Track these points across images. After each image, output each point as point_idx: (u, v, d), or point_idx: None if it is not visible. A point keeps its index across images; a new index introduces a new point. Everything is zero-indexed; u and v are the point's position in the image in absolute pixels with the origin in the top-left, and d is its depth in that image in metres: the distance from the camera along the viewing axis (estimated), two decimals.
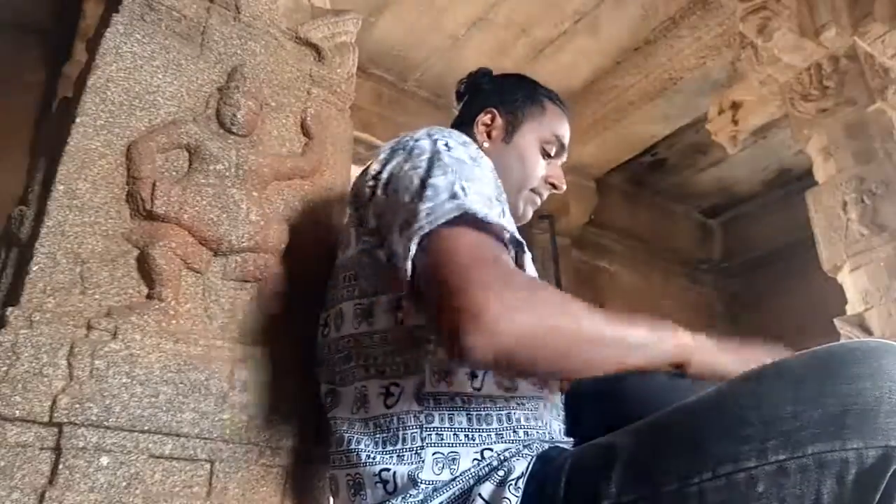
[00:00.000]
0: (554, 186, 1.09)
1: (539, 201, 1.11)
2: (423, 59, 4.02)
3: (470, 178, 0.80)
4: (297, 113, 1.18)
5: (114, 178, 0.95)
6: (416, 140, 0.87)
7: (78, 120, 0.94)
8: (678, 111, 4.24)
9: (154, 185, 0.95)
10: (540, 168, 1.08)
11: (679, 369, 0.78)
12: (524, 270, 0.80)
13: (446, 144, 0.85)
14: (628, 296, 5.13)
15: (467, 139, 0.90)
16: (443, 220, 0.73)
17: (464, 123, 1.10)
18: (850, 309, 2.77)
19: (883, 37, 2.86)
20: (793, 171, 5.01)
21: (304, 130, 1.18)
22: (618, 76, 4.14)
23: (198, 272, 0.99)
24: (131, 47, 1.02)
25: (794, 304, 4.97)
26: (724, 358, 0.80)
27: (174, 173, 1.01)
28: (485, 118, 1.08)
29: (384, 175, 0.86)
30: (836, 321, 2.75)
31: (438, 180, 0.78)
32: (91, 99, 0.96)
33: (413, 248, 0.74)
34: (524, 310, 0.68)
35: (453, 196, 0.75)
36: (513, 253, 0.80)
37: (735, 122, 3.76)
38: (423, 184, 0.78)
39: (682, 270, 5.83)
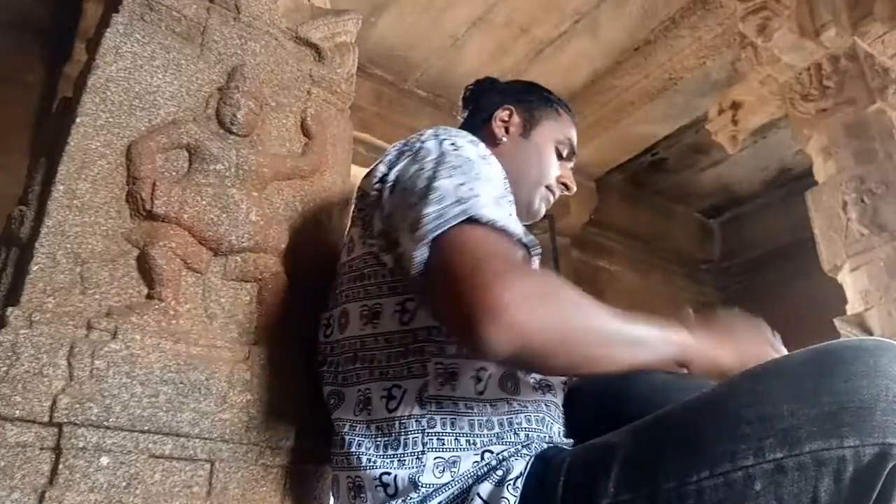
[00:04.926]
0: (566, 187, 1.11)
1: (552, 200, 1.12)
2: (423, 59, 4.01)
3: (478, 177, 0.79)
4: (297, 113, 1.18)
5: (114, 178, 0.95)
6: (423, 141, 0.86)
7: (78, 120, 0.94)
8: (678, 111, 4.24)
9: (154, 185, 0.96)
10: (555, 166, 1.10)
11: (682, 367, 0.78)
12: None
13: (453, 144, 0.85)
14: (628, 296, 5.13)
15: (475, 138, 0.90)
16: (451, 224, 0.73)
17: (475, 124, 1.12)
18: (850, 309, 2.76)
19: (883, 37, 2.86)
20: (793, 171, 5.01)
21: (304, 130, 1.18)
22: (617, 76, 4.14)
23: (198, 272, 0.99)
24: (131, 47, 1.02)
25: (795, 304, 4.97)
26: (723, 355, 0.80)
27: (174, 173, 1.01)
28: (502, 114, 1.10)
29: (391, 177, 0.86)
30: (836, 321, 2.75)
31: (444, 182, 0.77)
32: (91, 99, 0.96)
33: (424, 251, 0.74)
34: (543, 303, 0.68)
35: (459, 200, 0.75)
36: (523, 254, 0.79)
37: (735, 122, 3.76)
38: (429, 186, 0.78)
39: (682, 270, 5.83)
